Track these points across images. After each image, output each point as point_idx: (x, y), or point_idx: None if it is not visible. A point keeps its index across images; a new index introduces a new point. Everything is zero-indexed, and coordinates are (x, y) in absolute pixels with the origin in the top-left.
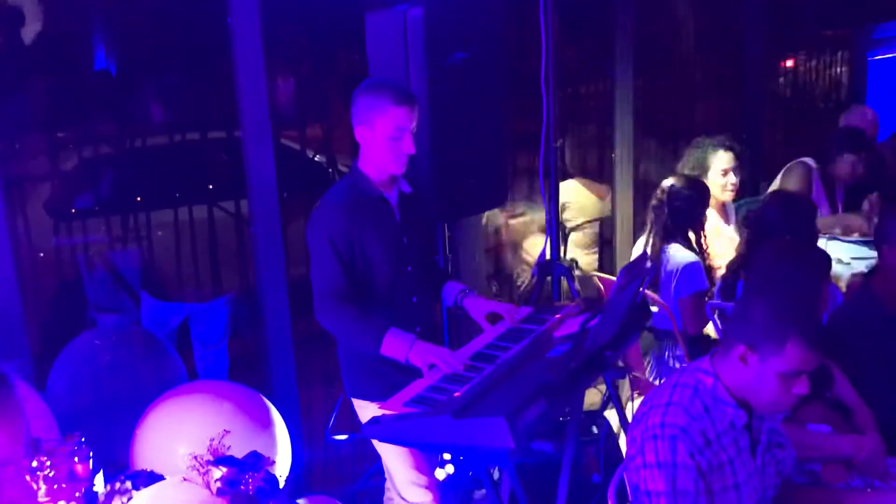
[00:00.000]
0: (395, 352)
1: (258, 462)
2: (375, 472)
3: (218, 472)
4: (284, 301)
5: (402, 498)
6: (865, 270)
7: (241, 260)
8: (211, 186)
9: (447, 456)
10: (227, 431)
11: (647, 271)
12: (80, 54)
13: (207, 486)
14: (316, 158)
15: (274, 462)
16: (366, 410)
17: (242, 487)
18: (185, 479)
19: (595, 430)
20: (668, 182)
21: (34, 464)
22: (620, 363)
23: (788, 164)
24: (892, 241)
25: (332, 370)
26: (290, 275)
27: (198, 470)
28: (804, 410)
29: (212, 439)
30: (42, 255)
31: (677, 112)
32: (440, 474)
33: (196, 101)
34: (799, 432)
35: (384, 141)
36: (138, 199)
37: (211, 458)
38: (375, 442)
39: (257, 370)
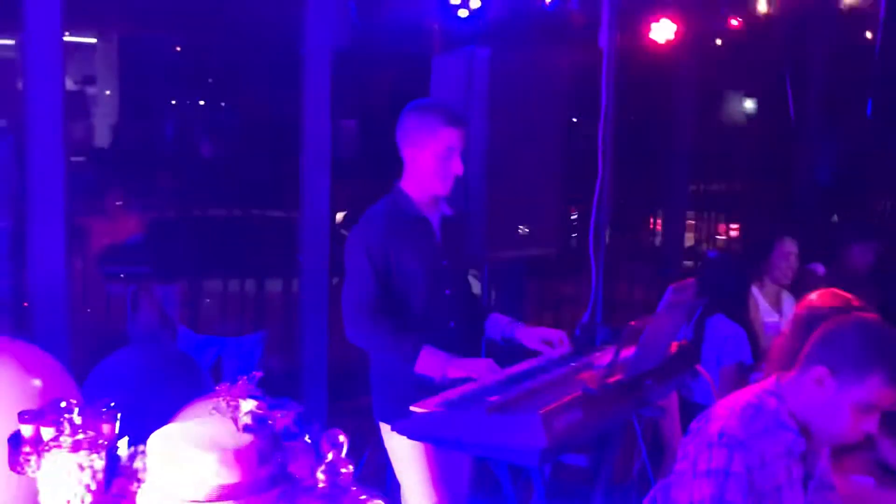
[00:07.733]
0: (432, 368)
1: (290, 404)
2: None
3: (247, 406)
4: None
5: None
6: None
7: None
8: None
9: None
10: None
11: (695, 302)
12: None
13: (234, 420)
14: None
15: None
16: (394, 439)
17: (270, 422)
18: (213, 411)
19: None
20: (708, 253)
21: (62, 404)
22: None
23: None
24: None
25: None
26: None
27: (227, 401)
28: (847, 461)
29: (245, 376)
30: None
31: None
32: None
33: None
34: (843, 482)
35: (434, 161)
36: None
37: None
38: (395, 462)
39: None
